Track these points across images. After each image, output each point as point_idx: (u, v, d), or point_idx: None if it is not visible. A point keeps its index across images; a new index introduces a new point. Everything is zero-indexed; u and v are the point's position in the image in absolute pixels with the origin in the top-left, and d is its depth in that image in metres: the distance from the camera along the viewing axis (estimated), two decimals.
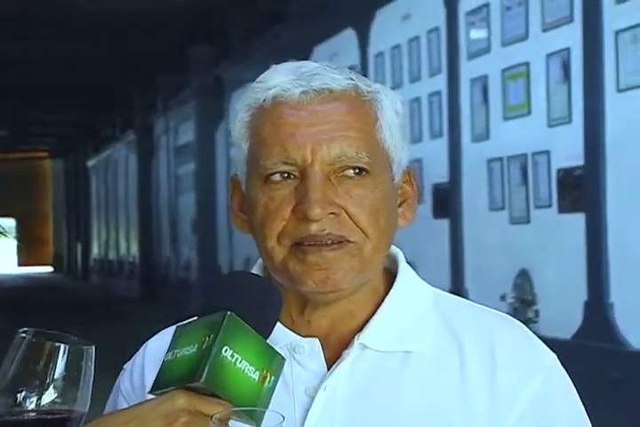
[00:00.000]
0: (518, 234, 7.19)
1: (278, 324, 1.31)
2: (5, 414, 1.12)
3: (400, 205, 1.41)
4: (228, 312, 1.16)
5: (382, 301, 1.39)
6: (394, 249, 1.44)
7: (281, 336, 1.33)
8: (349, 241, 1.31)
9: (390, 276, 1.43)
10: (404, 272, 1.42)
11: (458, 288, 7.80)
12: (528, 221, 7.07)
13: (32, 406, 1.12)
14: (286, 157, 1.31)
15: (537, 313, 6.91)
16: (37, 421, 1.12)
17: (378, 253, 1.34)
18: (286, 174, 1.32)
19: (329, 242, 1.31)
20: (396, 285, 1.40)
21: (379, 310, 1.37)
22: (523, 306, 7.05)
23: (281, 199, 1.31)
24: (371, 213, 1.32)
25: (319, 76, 1.34)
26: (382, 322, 1.36)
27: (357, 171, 1.32)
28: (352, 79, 1.36)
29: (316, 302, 1.36)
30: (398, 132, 1.38)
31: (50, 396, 1.13)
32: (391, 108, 1.38)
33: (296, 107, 1.32)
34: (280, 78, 1.35)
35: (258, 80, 1.37)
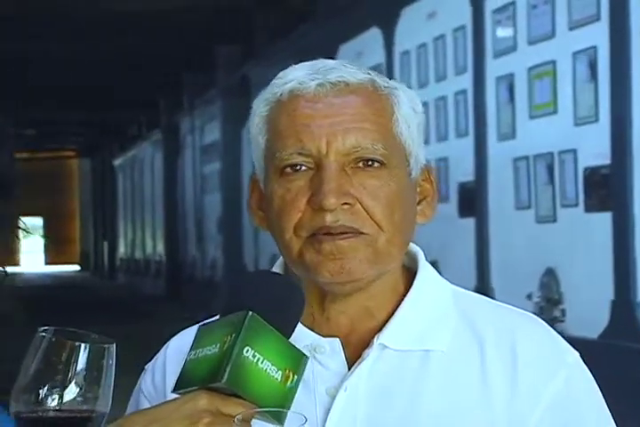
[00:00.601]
0: (544, 233, 7.16)
1: (299, 324, 1.32)
2: (27, 411, 1.13)
3: (419, 203, 1.41)
4: (250, 312, 1.15)
5: (402, 299, 1.39)
6: (414, 247, 1.44)
7: (302, 336, 1.33)
8: (362, 233, 1.32)
9: (410, 274, 1.42)
10: (424, 270, 1.42)
11: (484, 287, 7.78)
12: (554, 220, 7.04)
13: (53, 405, 1.12)
14: (301, 147, 1.32)
15: (563, 312, 6.88)
16: (58, 419, 1.13)
17: (393, 245, 1.34)
18: (301, 166, 1.32)
19: (342, 232, 1.31)
20: (415, 283, 1.40)
21: (398, 310, 1.37)
22: (549, 305, 7.03)
23: (297, 190, 1.32)
24: (385, 205, 1.32)
25: (335, 70, 1.35)
26: (402, 321, 1.36)
27: (372, 162, 1.33)
28: (369, 74, 1.37)
29: (334, 295, 1.36)
30: (415, 128, 1.38)
31: (71, 394, 1.13)
32: (408, 105, 1.38)
33: (312, 99, 1.33)
34: (297, 73, 1.36)
35: (277, 77, 1.39)
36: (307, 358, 1.19)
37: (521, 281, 7.39)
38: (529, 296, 7.23)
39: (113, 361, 1.16)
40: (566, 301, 6.86)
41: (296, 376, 1.17)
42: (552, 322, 6.46)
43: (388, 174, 1.33)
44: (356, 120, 1.32)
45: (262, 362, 1.14)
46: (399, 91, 1.38)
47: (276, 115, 1.36)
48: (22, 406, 1.13)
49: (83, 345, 1.14)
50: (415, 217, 1.39)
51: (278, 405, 1.14)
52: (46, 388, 1.13)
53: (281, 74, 1.38)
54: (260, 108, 1.39)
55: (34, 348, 1.14)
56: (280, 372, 1.15)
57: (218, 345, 1.15)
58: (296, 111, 1.33)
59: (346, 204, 1.30)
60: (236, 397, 1.14)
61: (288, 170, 1.33)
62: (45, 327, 1.15)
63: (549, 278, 7.06)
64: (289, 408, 1.15)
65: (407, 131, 1.37)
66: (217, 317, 1.22)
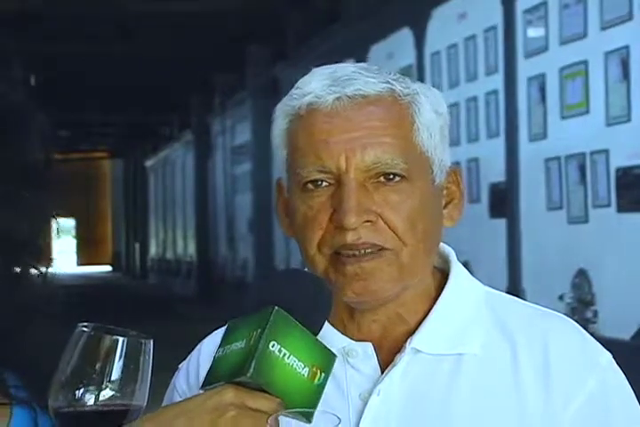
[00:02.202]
0: (576, 234, 7.13)
1: (331, 328, 1.33)
2: (65, 406, 1.14)
3: (445, 206, 1.40)
4: (276, 307, 1.16)
5: (433, 302, 1.38)
6: (445, 248, 1.43)
7: (334, 340, 1.34)
8: (385, 248, 1.31)
9: (442, 275, 1.42)
10: (456, 272, 1.41)
11: (515, 288, 7.75)
12: (586, 221, 7.00)
13: (91, 400, 1.13)
14: (321, 165, 1.31)
15: (595, 313, 6.85)
16: (96, 414, 1.14)
17: (417, 258, 1.33)
18: (322, 181, 1.32)
19: (365, 251, 1.30)
20: (447, 286, 1.39)
21: (430, 313, 1.37)
22: (581, 306, 6.99)
23: (318, 207, 1.32)
24: (407, 218, 1.31)
25: (353, 81, 1.33)
26: (435, 325, 1.36)
27: (393, 176, 1.31)
28: (388, 82, 1.34)
29: (362, 309, 1.36)
30: (438, 133, 1.36)
31: (109, 389, 1.14)
32: (430, 110, 1.36)
33: (329, 114, 1.32)
34: (315, 84, 1.34)
35: (295, 86, 1.37)
36: (335, 356, 1.19)
37: (553, 282, 7.36)
38: (561, 297, 7.19)
39: (150, 357, 1.17)
40: (598, 302, 6.82)
41: (323, 374, 1.16)
42: (584, 323, 6.43)
43: (409, 187, 1.32)
44: (375, 135, 1.31)
45: (288, 357, 1.14)
46: (420, 96, 1.36)
47: (295, 130, 1.35)
48: (61, 401, 1.14)
49: (121, 340, 1.15)
50: (441, 223, 1.39)
51: (305, 402, 1.14)
52: (84, 383, 1.14)
53: (300, 82, 1.37)
54: (279, 119, 1.38)
55: (72, 344, 1.15)
56: (307, 368, 1.15)
57: (244, 340, 1.16)
58: (314, 127, 1.32)
59: (367, 221, 1.30)
60: (262, 391, 1.14)
61: (309, 186, 1.32)
62: (85, 323, 1.16)
63: (581, 279, 7.03)
64: (316, 407, 1.15)
65: (429, 139, 1.35)
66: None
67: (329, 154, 1.31)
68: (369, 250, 1.30)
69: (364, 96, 1.32)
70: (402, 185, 1.32)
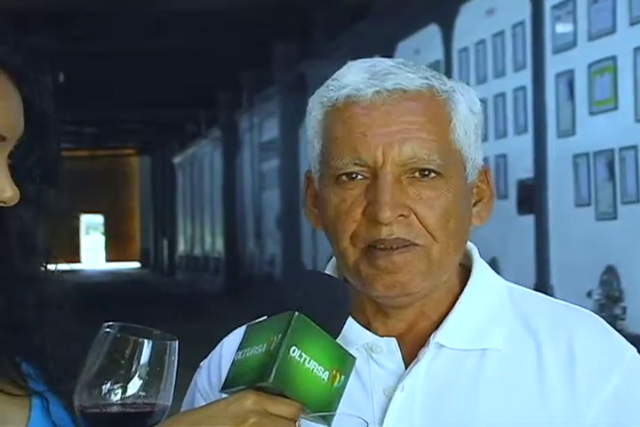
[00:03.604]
0: (605, 230, 7.10)
1: (355, 323, 1.32)
2: (90, 406, 1.14)
3: (475, 205, 1.39)
4: (297, 312, 1.15)
5: (456, 297, 1.38)
6: (468, 245, 1.42)
7: (358, 336, 1.34)
8: (416, 244, 1.31)
9: (465, 271, 1.41)
10: (479, 269, 1.41)
11: (543, 285, 7.73)
12: (615, 217, 6.97)
13: (116, 400, 1.14)
14: (357, 157, 1.30)
15: (624, 310, 6.82)
16: (121, 414, 1.14)
17: (447, 255, 1.33)
18: (357, 175, 1.31)
19: (397, 246, 1.30)
20: (470, 282, 1.39)
21: (454, 308, 1.37)
22: (609, 303, 6.96)
23: (352, 200, 1.31)
24: (440, 215, 1.31)
25: (393, 76, 1.32)
26: (458, 320, 1.36)
27: (429, 172, 1.31)
28: (427, 78, 1.34)
29: (389, 307, 1.36)
30: (473, 131, 1.36)
31: (134, 390, 1.14)
32: (466, 108, 1.36)
33: (368, 107, 1.31)
34: (353, 77, 1.33)
35: (332, 78, 1.37)
36: (354, 359, 1.18)
37: (581, 279, 7.33)
38: (589, 294, 7.17)
39: (175, 357, 1.17)
40: (627, 298, 6.80)
41: (343, 377, 1.16)
42: (613, 320, 6.40)
43: (444, 184, 1.32)
44: (413, 130, 1.31)
45: (309, 362, 1.14)
46: (457, 93, 1.36)
47: (332, 121, 1.35)
48: (86, 400, 1.14)
49: (146, 341, 1.15)
50: (470, 221, 1.38)
51: (325, 405, 1.14)
52: (110, 383, 1.14)
53: (337, 75, 1.36)
54: (315, 111, 1.37)
55: (98, 344, 1.15)
56: (327, 372, 1.15)
57: (265, 345, 1.15)
58: (352, 119, 1.32)
59: (401, 215, 1.30)
60: (282, 397, 1.14)
61: (344, 178, 1.32)
62: (110, 323, 1.16)
63: (610, 276, 7.00)
64: (335, 409, 1.15)
65: (464, 136, 1.35)
66: (265, 317, 1.22)
67: (366, 147, 1.30)
68: (400, 244, 1.30)
69: (404, 91, 1.32)
70: (436, 181, 1.31)
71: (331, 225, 1.34)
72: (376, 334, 1.36)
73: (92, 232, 38.15)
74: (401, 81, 1.32)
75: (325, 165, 1.35)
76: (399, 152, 1.30)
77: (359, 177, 1.31)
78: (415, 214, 1.31)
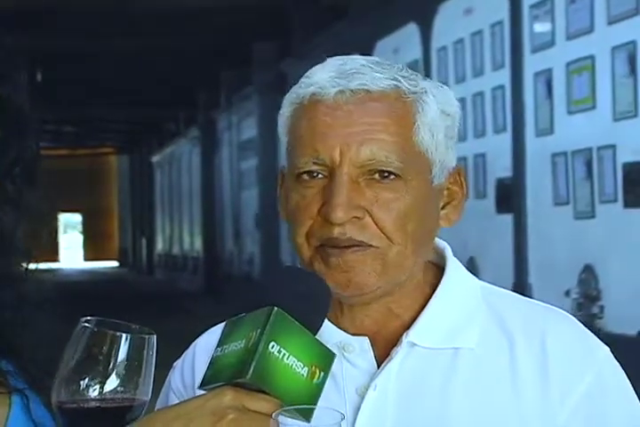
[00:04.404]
0: (583, 229, 7.12)
1: (327, 322, 1.31)
2: (68, 401, 1.14)
3: (444, 207, 1.39)
4: (275, 308, 1.15)
5: (428, 297, 1.38)
6: (440, 243, 1.43)
7: (330, 335, 1.33)
8: (371, 246, 1.30)
9: (438, 270, 1.41)
10: (452, 267, 1.41)
11: (521, 284, 7.74)
12: (593, 216, 7.00)
13: (95, 395, 1.13)
14: (316, 157, 1.31)
15: (602, 309, 6.84)
16: (100, 409, 1.14)
17: (405, 257, 1.32)
18: (318, 173, 1.32)
19: (349, 245, 1.30)
20: (443, 281, 1.39)
21: (426, 307, 1.36)
22: (587, 302, 6.98)
23: (310, 198, 1.32)
24: (397, 217, 1.31)
25: (359, 75, 1.32)
26: (430, 319, 1.35)
27: (388, 174, 1.31)
28: (395, 79, 1.33)
29: (351, 304, 1.36)
30: (442, 133, 1.35)
31: (112, 384, 1.14)
32: (436, 109, 1.35)
33: (331, 106, 1.32)
34: (321, 75, 1.34)
35: (305, 75, 1.37)
36: (334, 355, 1.18)
37: (559, 277, 7.35)
38: (567, 293, 7.19)
39: (153, 352, 1.17)
40: (605, 297, 6.82)
41: (322, 373, 1.16)
42: (590, 319, 6.42)
43: (403, 186, 1.31)
44: (374, 131, 1.30)
45: (288, 358, 1.14)
46: (428, 95, 1.35)
47: (297, 118, 1.35)
48: (64, 396, 1.14)
49: (124, 336, 1.15)
50: (436, 223, 1.38)
51: (304, 401, 1.14)
52: (88, 378, 1.14)
53: (310, 71, 1.37)
54: (284, 107, 1.39)
55: (75, 339, 1.15)
56: (306, 368, 1.15)
57: (243, 341, 1.15)
58: (315, 118, 1.32)
59: (355, 217, 1.29)
60: (261, 393, 1.13)
61: (304, 176, 1.33)
62: (87, 318, 1.16)
63: (588, 275, 7.02)
64: (315, 405, 1.14)
65: (430, 139, 1.34)
66: (243, 314, 1.21)
67: (325, 146, 1.31)
68: (353, 244, 1.30)
69: (368, 91, 1.32)
70: (395, 183, 1.31)
71: (290, 221, 1.36)
72: (347, 332, 1.36)
73: (70, 231, 38.01)
74: (366, 81, 1.32)
75: (289, 162, 1.36)
76: (357, 153, 1.30)
77: (319, 176, 1.32)
78: (371, 216, 1.30)
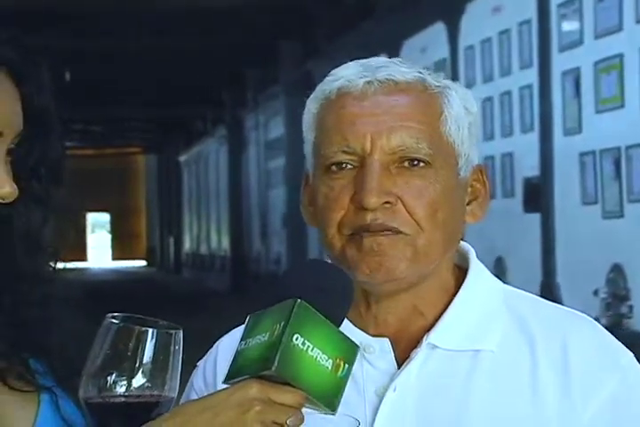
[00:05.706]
0: (611, 228, 7.09)
1: (348, 322, 1.31)
2: (95, 397, 1.14)
3: (469, 203, 1.39)
4: (298, 300, 1.14)
5: (452, 298, 1.37)
6: (465, 246, 1.43)
7: (351, 335, 1.33)
8: (401, 232, 1.31)
9: (461, 272, 1.41)
10: (475, 269, 1.41)
11: (549, 283, 7.71)
12: (621, 216, 6.96)
13: (122, 390, 1.13)
14: (346, 146, 1.32)
15: (631, 308, 6.80)
16: (127, 405, 1.14)
17: (433, 245, 1.33)
18: (347, 164, 1.32)
19: (381, 230, 1.30)
20: (466, 282, 1.39)
21: (448, 309, 1.36)
22: (616, 301, 6.95)
23: (340, 189, 1.32)
24: (428, 204, 1.31)
25: (385, 68, 1.34)
26: (452, 321, 1.35)
27: (418, 162, 1.32)
28: (420, 73, 1.36)
29: (378, 295, 1.36)
30: (466, 128, 1.36)
31: (139, 380, 1.14)
32: (460, 105, 1.36)
33: (359, 97, 1.33)
34: (347, 71, 1.36)
35: (329, 74, 1.39)
36: (358, 347, 1.17)
37: (587, 277, 7.32)
38: (595, 292, 7.15)
39: (180, 347, 1.17)
40: (634, 297, 6.78)
41: (347, 365, 1.15)
42: (619, 318, 6.38)
43: (433, 174, 1.32)
44: (402, 119, 1.32)
45: (312, 350, 1.13)
46: (451, 90, 1.37)
47: (325, 113, 1.36)
48: (91, 392, 1.14)
49: (150, 331, 1.15)
50: (463, 217, 1.38)
51: (329, 394, 1.13)
52: (115, 374, 1.14)
53: (333, 71, 1.38)
54: (310, 105, 1.40)
55: (102, 335, 1.15)
56: (330, 360, 1.14)
57: (267, 334, 1.15)
58: (343, 109, 1.33)
59: (387, 202, 1.30)
60: (286, 385, 1.13)
61: (333, 168, 1.33)
62: (114, 314, 1.16)
63: (616, 274, 6.98)
64: (340, 398, 1.14)
65: (456, 131, 1.35)
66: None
67: (355, 135, 1.31)
68: (385, 229, 1.31)
69: (395, 82, 1.33)
70: (425, 171, 1.32)
71: (320, 215, 1.36)
72: (368, 333, 1.36)
73: (98, 230, 38.18)
74: (393, 73, 1.34)
75: (317, 156, 1.36)
76: (388, 140, 1.31)
77: (348, 166, 1.33)
78: (402, 203, 1.31)
